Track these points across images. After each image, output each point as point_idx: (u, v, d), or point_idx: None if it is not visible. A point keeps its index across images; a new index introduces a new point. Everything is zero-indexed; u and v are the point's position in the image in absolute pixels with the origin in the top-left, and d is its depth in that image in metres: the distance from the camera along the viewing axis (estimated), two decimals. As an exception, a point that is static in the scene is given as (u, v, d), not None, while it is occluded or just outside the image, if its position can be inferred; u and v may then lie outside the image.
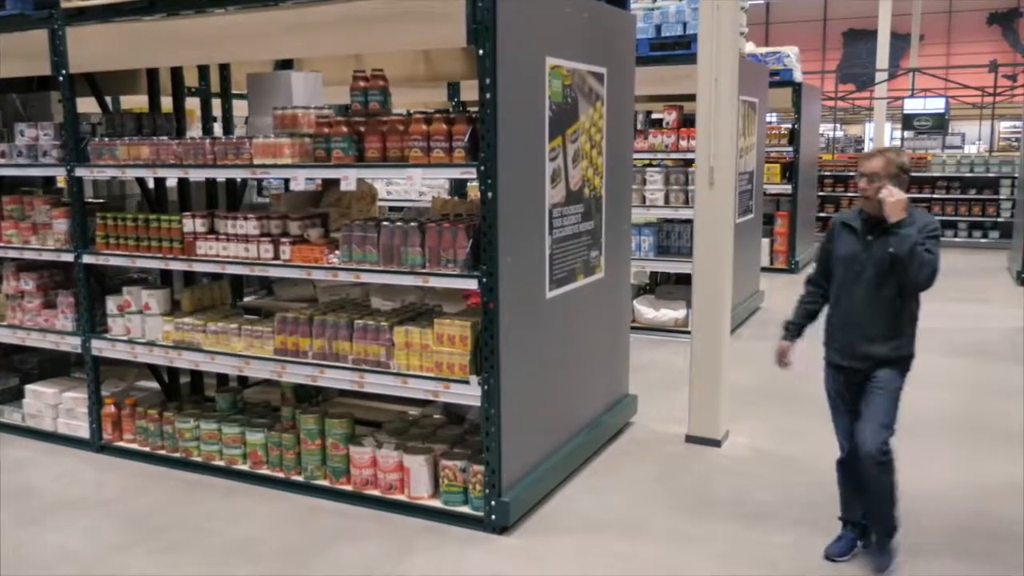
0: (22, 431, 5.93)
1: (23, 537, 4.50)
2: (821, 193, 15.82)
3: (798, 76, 11.67)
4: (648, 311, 8.81)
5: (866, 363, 3.92)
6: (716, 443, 5.60)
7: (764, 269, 11.27)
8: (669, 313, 8.75)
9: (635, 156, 9.11)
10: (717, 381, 5.62)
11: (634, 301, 8.87)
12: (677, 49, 8.25)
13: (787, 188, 12.21)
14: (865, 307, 3.88)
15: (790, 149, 12.07)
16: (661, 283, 9.58)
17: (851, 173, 16.21)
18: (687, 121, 8.63)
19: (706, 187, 5.48)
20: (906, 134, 20.62)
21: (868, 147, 24.41)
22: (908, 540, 4.33)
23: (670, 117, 8.61)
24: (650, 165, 9.13)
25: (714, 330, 5.61)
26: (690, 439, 5.67)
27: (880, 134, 23.28)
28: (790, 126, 12.10)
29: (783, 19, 36.80)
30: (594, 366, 5.53)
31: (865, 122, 31.29)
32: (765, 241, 12.07)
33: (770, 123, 16.26)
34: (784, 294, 10.89)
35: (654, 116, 9.32)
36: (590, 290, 5.34)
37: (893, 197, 3.70)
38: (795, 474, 5.21)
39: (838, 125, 28.00)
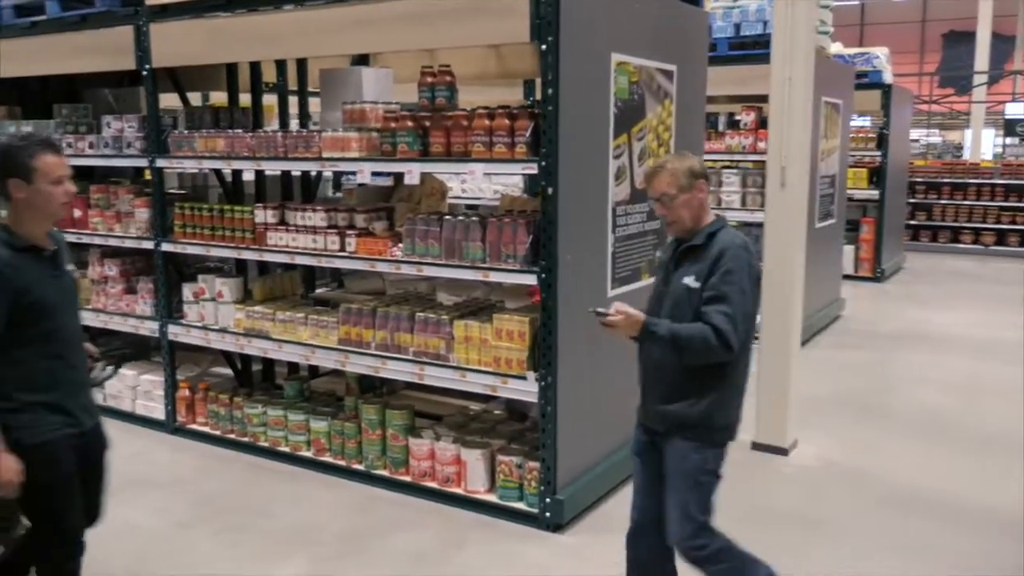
0: (103, 410, 6.13)
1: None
2: (912, 200, 15.24)
3: (888, 78, 11.28)
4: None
5: (661, 424, 3.12)
6: (783, 451, 5.46)
7: (847, 277, 10.92)
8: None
9: (712, 158, 8.98)
10: (785, 388, 5.48)
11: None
12: (756, 48, 8.08)
13: (874, 193, 11.82)
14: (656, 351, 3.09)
15: (879, 153, 11.69)
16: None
17: (945, 180, 15.60)
18: (766, 122, 8.44)
19: (777, 188, 5.35)
20: (1008, 140, 19.73)
21: (966, 154, 23.42)
22: (983, 565, 4.15)
23: (748, 118, 8.43)
24: (728, 167, 8.97)
25: (783, 336, 5.46)
26: (756, 446, 5.54)
27: (977, 140, 22.36)
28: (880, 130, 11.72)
29: (879, 20, 35.65)
30: (657, 367, 5.45)
31: (964, 128, 30.11)
32: (849, 248, 11.70)
33: (861, 127, 15.74)
34: (867, 303, 10.57)
35: (735, 117, 9.16)
36: (654, 290, 5.26)
37: (620, 319, 2.96)
38: (863, 487, 5.04)
39: (935, 130, 26.99)
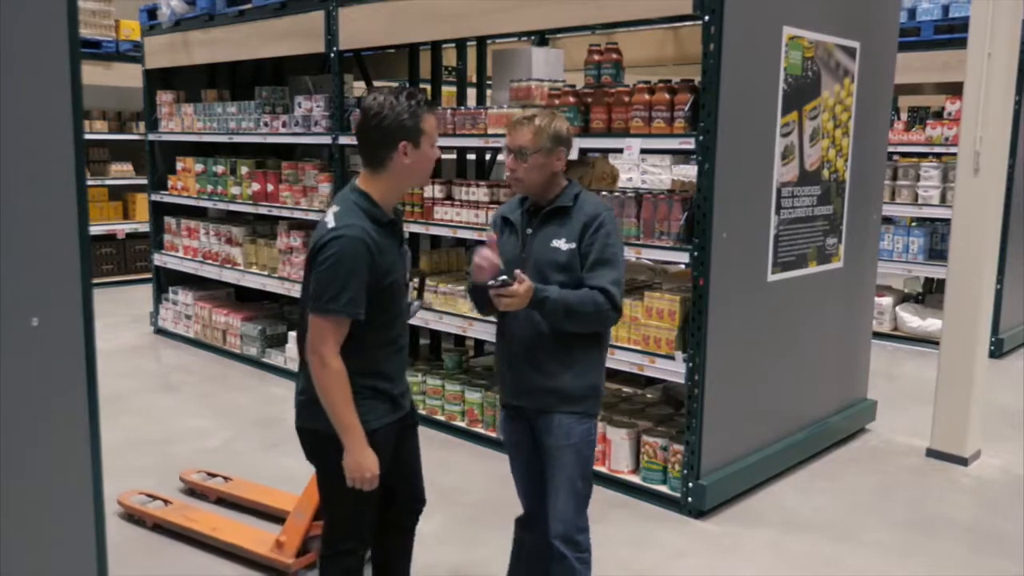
0: (282, 372, 6.65)
1: (261, 457, 5.07)
2: None
3: None
4: (913, 319, 8.04)
5: (541, 401, 2.91)
6: (962, 461, 5.01)
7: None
8: (937, 324, 7.92)
9: (911, 150, 8.38)
10: (967, 396, 5.01)
11: (897, 308, 8.16)
12: (967, 32, 7.40)
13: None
14: (530, 325, 2.86)
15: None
16: (936, 292, 8.70)
17: None
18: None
19: (969, 175, 4.90)
20: None
21: None
22: None
23: (953, 107, 7.79)
24: (927, 161, 8.31)
25: (968, 340, 4.99)
26: (931, 453, 5.12)
27: None
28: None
29: None
30: (823, 362, 5.16)
31: None
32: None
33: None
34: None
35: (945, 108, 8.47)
36: (823, 279, 4.99)
37: (523, 289, 2.69)
38: (1052, 506, 4.54)
39: None
